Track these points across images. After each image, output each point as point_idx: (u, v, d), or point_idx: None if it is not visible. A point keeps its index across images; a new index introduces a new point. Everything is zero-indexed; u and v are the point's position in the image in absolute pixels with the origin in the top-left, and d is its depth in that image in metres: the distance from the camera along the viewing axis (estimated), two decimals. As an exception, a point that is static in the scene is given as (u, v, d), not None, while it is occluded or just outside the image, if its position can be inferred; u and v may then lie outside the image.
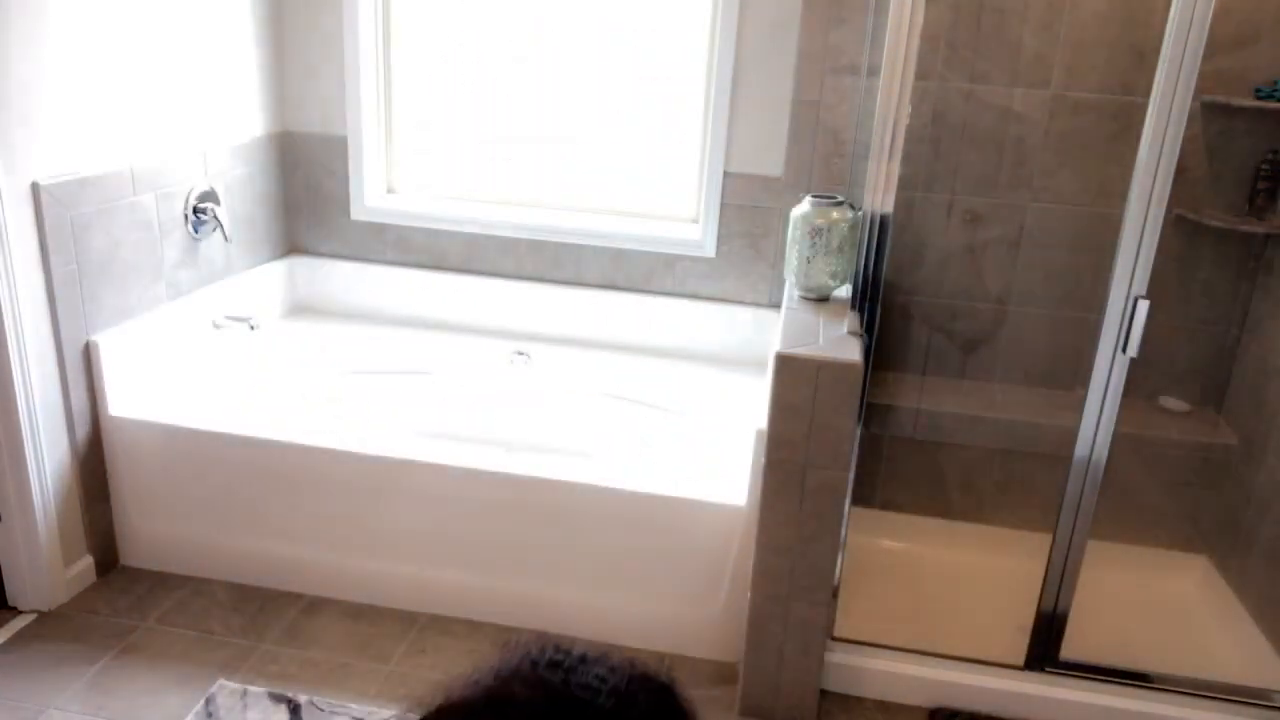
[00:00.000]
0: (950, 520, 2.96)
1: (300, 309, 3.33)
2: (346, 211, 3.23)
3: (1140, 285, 2.03)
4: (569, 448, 3.07)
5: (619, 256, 3.11)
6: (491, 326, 3.23)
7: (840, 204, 2.36)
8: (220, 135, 2.89)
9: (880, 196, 2.09)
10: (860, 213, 2.21)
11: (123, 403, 2.53)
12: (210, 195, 2.83)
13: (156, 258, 2.66)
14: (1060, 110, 2.66)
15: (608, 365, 3.10)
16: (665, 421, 3.03)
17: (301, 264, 3.29)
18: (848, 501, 2.17)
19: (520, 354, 3.14)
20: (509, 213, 3.17)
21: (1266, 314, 2.67)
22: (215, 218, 2.83)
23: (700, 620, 2.43)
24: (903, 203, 2.74)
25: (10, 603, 2.46)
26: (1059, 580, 2.24)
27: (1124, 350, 2.07)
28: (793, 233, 2.37)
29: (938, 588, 2.75)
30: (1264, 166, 2.57)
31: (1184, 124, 1.93)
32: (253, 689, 2.23)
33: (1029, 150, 2.71)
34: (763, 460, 2.11)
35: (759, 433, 2.17)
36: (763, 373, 2.51)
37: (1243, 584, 2.67)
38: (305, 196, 3.25)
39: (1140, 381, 2.60)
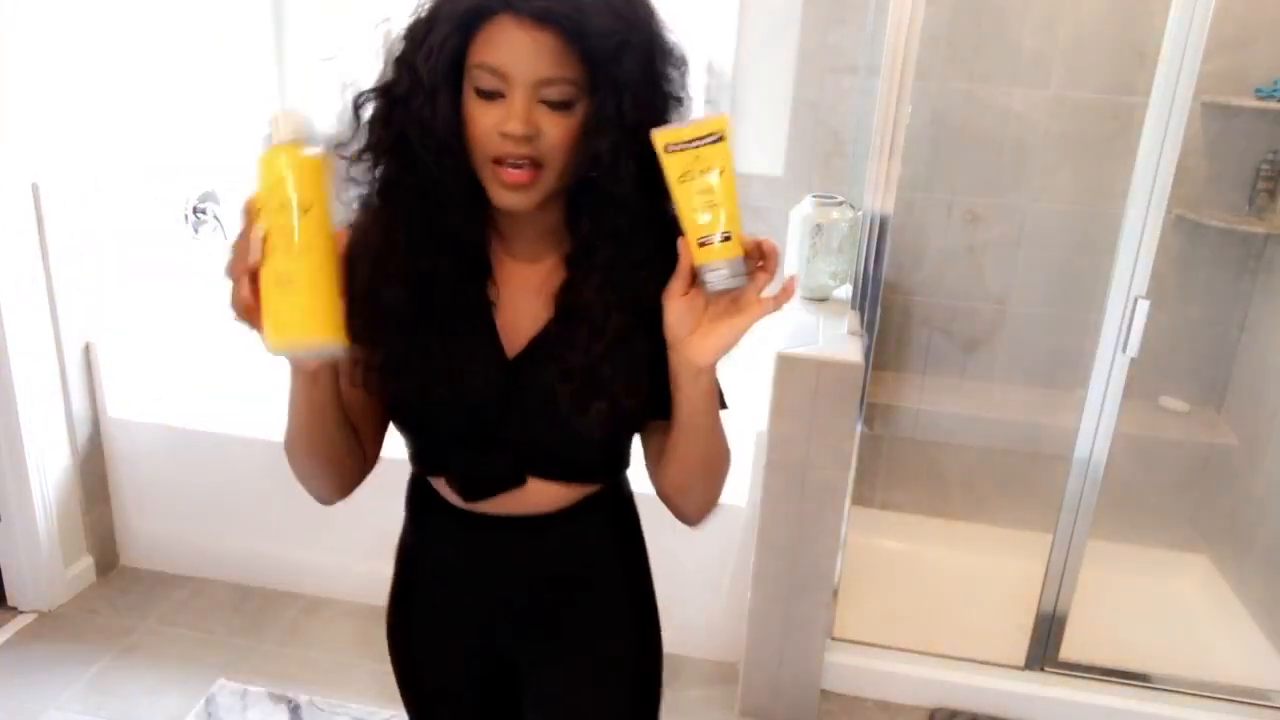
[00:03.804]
0: (950, 520, 2.96)
1: (300, 309, 3.32)
2: (346, 211, 3.23)
3: (1140, 285, 2.03)
4: (569, 448, 3.06)
5: (619, 256, 3.10)
6: (491, 326, 3.22)
7: (840, 204, 2.36)
8: (220, 135, 2.88)
9: (880, 196, 2.09)
10: (860, 213, 2.20)
11: (123, 403, 2.53)
12: (211, 195, 2.83)
13: (156, 258, 2.66)
14: (1060, 110, 2.66)
15: (608, 365, 3.09)
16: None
17: (301, 264, 3.28)
18: (848, 501, 2.17)
19: (520, 354, 3.14)
20: (509, 213, 3.16)
21: (1266, 314, 2.66)
22: (216, 218, 2.83)
23: (700, 620, 2.42)
24: (903, 203, 2.72)
25: (10, 603, 2.46)
26: (1059, 580, 2.24)
27: (1124, 350, 2.07)
28: (793, 233, 2.37)
29: (938, 588, 2.75)
30: (1264, 166, 2.57)
31: (1184, 124, 1.93)
32: (253, 689, 2.23)
33: (1029, 150, 2.71)
34: (763, 460, 2.11)
35: (759, 433, 2.17)
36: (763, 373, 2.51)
37: (1243, 584, 2.67)
38: (305, 196, 3.24)
39: (1140, 381, 2.59)
